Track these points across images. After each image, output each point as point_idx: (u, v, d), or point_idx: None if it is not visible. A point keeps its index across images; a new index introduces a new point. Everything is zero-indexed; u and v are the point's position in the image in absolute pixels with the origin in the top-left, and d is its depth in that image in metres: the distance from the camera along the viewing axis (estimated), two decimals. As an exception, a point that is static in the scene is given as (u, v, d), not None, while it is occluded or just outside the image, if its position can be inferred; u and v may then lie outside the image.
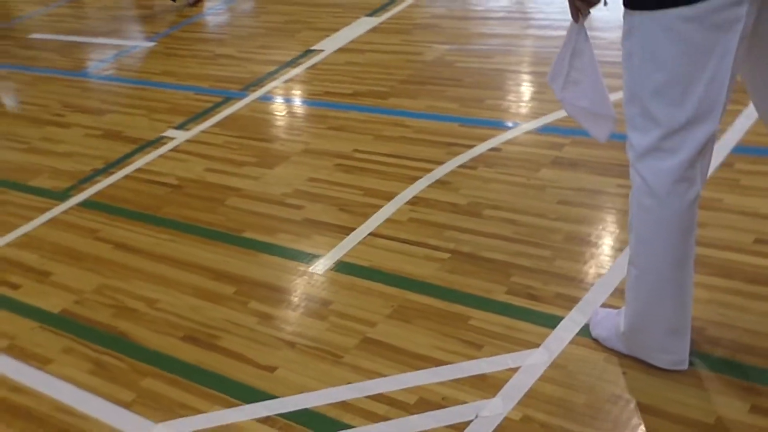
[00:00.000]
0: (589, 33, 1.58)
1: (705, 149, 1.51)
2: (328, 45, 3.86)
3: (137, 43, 4.36)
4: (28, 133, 3.57)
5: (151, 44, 4.34)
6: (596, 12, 1.59)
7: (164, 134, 3.30)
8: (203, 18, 4.64)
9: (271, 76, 3.67)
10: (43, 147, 3.40)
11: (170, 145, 3.21)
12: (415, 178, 2.64)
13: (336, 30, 4.02)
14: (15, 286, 2.51)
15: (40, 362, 2.11)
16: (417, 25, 3.87)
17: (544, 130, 2.80)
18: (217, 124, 3.30)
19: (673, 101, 1.47)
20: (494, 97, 3.07)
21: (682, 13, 1.40)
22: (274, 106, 3.42)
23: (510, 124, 2.88)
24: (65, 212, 2.88)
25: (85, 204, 2.90)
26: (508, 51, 3.43)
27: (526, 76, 3.19)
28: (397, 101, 3.19)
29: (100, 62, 4.24)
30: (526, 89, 3.11)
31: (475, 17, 3.88)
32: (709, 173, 1.59)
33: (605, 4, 1.54)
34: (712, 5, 1.37)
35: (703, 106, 1.46)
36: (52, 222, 2.83)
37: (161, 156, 3.13)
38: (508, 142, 2.78)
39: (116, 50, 4.33)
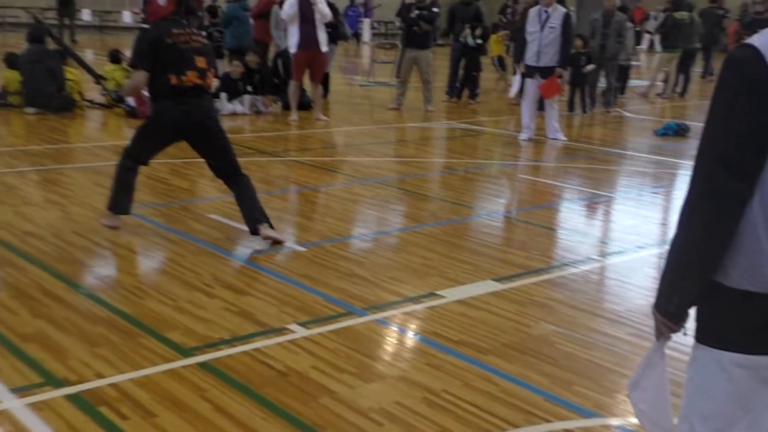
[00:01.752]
0: (668, 352, 1.85)
1: None
2: (451, 294, 4.28)
3: (292, 245, 4.96)
4: (178, 293, 4.11)
5: (302, 249, 4.94)
6: (681, 338, 1.86)
7: (288, 326, 3.74)
8: (350, 240, 5.23)
9: (393, 304, 4.10)
10: (186, 308, 3.91)
11: (290, 336, 3.62)
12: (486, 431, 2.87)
13: (462, 283, 4.45)
14: (124, 417, 2.88)
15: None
16: (534, 302, 4.23)
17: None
18: (334, 332, 3.71)
19: (718, 430, 1.70)
20: (584, 386, 3.30)
21: (736, 359, 1.66)
22: (387, 330, 3.81)
23: (591, 413, 3.09)
24: (184, 367, 3.29)
25: (203, 365, 3.31)
26: (610, 350, 3.69)
27: (618, 378, 3.41)
28: (494, 359, 3.49)
29: (257, 251, 4.85)
30: (615, 387, 3.33)
31: (589, 310, 4.19)
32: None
33: (684, 334, 1.83)
34: (765, 361, 1.63)
35: None
36: (171, 372, 3.24)
37: (279, 344, 3.54)
38: (585, 429, 2.98)
39: (276, 247, 4.93)
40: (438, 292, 4.29)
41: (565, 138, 9.54)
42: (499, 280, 4.53)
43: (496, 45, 14.60)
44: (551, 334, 3.83)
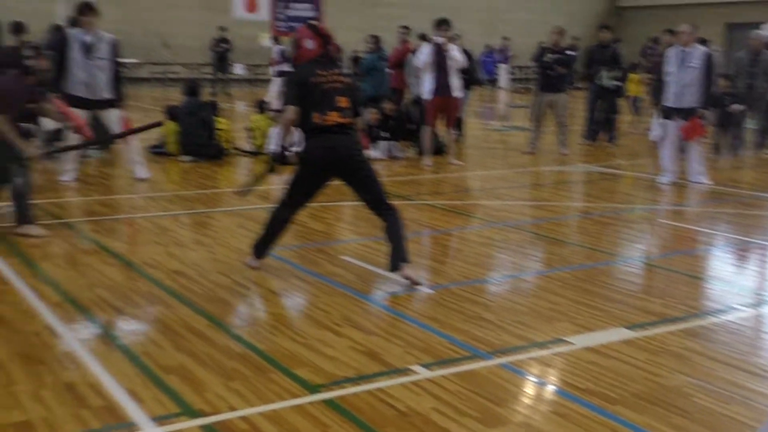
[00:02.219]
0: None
1: None
2: (580, 340, 4.18)
3: (421, 288, 5.03)
4: (309, 331, 4.26)
5: (431, 291, 4.99)
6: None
7: (411, 367, 3.78)
8: (478, 284, 5.23)
9: (519, 349, 4.06)
10: (315, 346, 4.05)
11: (413, 377, 3.66)
12: (612, 483, 2.77)
13: (592, 330, 4.34)
14: (250, 449, 3.01)
15: None
16: (668, 351, 4.06)
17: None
18: (458, 374, 3.71)
19: None
20: (719, 440, 3.13)
21: None
22: (511, 375, 3.77)
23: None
24: (310, 403, 3.40)
25: (328, 402, 3.41)
26: (749, 404, 3.48)
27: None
28: (622, 410, 3.37)
29: (387, 293, 4.96)
30: (754, 442, 3.13)
31: (728, 362, 3.97)
32: None
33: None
34: None
35: None
36: (297, 407, 3.36)
37: (402, 384, 3.58)
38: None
39: (403, 288, 5.02)
40: (566, 338, 4.21)
41: (709, 181, 9.12)
42: (631, 327, 4.38)
43: (634, 85, 14.24)
44: (685, 385, 3.66)
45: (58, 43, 8.25)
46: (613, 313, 4.62)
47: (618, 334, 4.29)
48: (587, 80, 13.12)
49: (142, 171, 8.57)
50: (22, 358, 3.82)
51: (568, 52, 11.63)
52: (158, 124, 7.35)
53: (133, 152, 8.61)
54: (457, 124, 11.68)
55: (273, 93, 17.00)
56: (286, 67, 16.03)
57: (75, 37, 8.08)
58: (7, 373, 3.64)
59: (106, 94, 8.18)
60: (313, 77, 4.93)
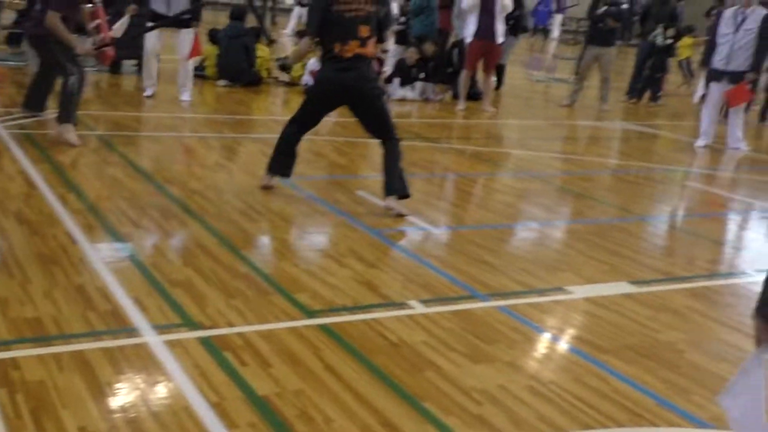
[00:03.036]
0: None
1: None
2: (580, 291, 4.20)
3: (428, 227, 5.07)
4: (313, 259, 4.36)
5: (438, 231, 5.04)
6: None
7: (408, 302, 3.85)
8: (486, 228, 5.24)
9: (516, 294, 4.10)
10: (317, 273, 4.13)
11: (408, 311, 3.74)
12: (586, 426, 2.83)
13: (595, 282, 4.36)
14: (243, 363, 3.11)
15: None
16: (668, 308, 4.07)
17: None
18: (453, 312, 3.78)
19: None
20: (703, 396, 3.17)
21: None
22: (505, 317, 3.81)
23: (706, 423, 2.96)
24: (305, 326, 3.49)
25: (322, 327, 3.50)
26: (738, 363, 3.48)
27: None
28: (611, 359, 3.41)
29: (395, 229, 5.01)
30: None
31: (727, 323, 3.97)
32: None
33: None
34: None
35: None
36: (292, 329, 3.45)
37: (397, 317, 3.66)
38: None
39: (413, 226, 5.08)
40: (566, 287, 4.23)
41: (747, 148, 8.92)
42: (635, 283, 4.39)
43: (686, 48, 13.81)
44: (679, 341, 3.68)
45: None
46: (619, 268, 4.62)
47: (620, 287, 4.30)
48: (641, 36, 12.79)
49: (186, 94, 8.70)
50: (39, 259, 3.96)
51: (623, 6, 11.33)
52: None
53: (185, 75, 8.71)
54: (498, 70, 11.59)
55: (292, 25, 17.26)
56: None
57: None
58: (23, 271, 3.79)
59: (185, 14, 8.34)
60: (336, 5, 4.95)
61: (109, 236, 4.42)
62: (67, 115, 6.20)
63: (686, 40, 13.47)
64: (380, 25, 5.14)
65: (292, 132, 5.34)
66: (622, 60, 19.78)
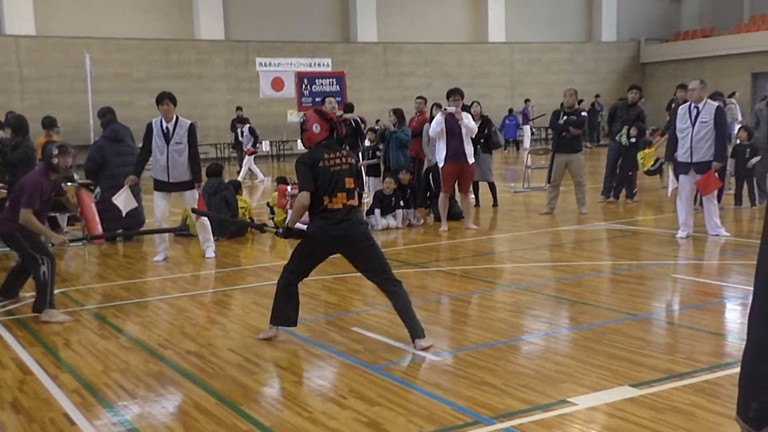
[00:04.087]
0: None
1: None
2: (584, 401, 4.18)
3: (426, 355, 5.08)
4: (314, 404, 4.33)
5: (436, 358, 5.03)
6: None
7: (413, 437, 3.81)
8: (484, 348, 5.24)
9: (521, 413, 4.07)
10: (319, 419, 4.10)
11: (413, 447, 3.69)
12: None
13: (596, 390, 4.34)
14: None
15: None
16: (672, 407, 4.05)
17: None
18: (458, 442, 3.74)
19: None
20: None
21: None
22: (513, 441, 3.78)
23: None
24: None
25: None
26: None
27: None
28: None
29: (393, 362, 5.01)
30: None
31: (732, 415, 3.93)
32: None
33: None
34: None
35: None
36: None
37: (403, 454, 3.61)
38: None
39: (411, 356, 5.09)
40: (570, 399, 4.21)
41: (727, 233, 9.08)
42: (636, 385, 4.37)
43: (649, 158, 13.49)
44: (691, 444, 3.63)
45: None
46: (619, 372, 4.61)
47: (623, 392, 4.28)
48: (610, 137, 13.20)
49: (210, 250, 9.05)
50: (36, 446, 3.92)
51: (582, 113, 11.78)
52: (177, 229, 7.73)
53: (204, 231, 9.01)
54: (491, 189, 12.45)
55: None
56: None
57: (155, 125, 8.69)
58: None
59: (185, 177, 8.73)
60: (322, 160, 5.20)
61: (106, 412, 4.39)
62: (43, 302, 6.35)
63: (647, 152, 13.45)
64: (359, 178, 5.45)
65: (288, 281, 5.43)
66: (596, 161, 20.33)
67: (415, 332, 5.22)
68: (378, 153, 12.52)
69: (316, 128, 5.30)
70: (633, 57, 33.99)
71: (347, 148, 5.51)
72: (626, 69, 33.52)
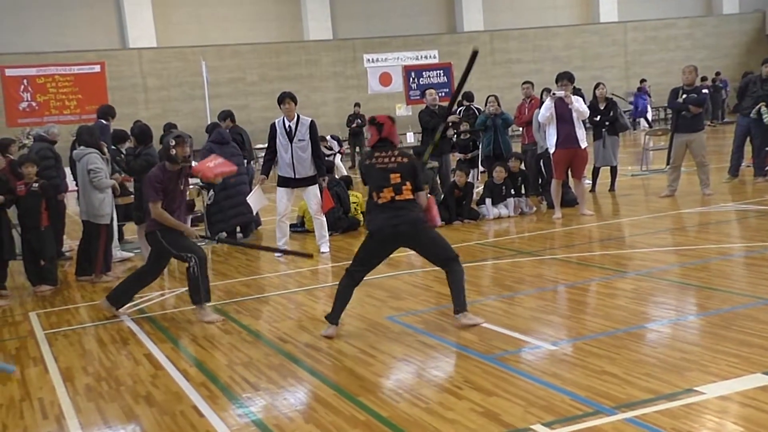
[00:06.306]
0: None
1: None
2: (712, 390, 3.98)
3: (543, 344, 4.99)
4: (430, 395, 4.33)
5: (553, 348, 4.93)
6: None
7: (532, 426, 3.75)
8: (603, 336, 5.08)
9: (644, 402, 3.92)
10: (436, 409, 4.10)
11: (532, 438, 3.63)
12: None
13: (726, 378, 4.13)
14: None
15: None
16: (813, 394, 3.79)
17: None
18: (577, 431, 3.64)
19: None
20: None
21: None
22: (635, 429, 3.64)
23: None
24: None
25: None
26: None
27: None
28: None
29: (508, 352, 4.94)
30: None
31: None
32: None
33: None
34: None
35: None
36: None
37: (521, 445, 3.55)
38: None
39: (524, 345, 5.01)
40: (697, 388, 4.02)
41: None
42: (769, 372, 4.13)
43: None
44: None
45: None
46: (751, 359, 4.36)
47: (755, 380, 4.05)
48: (738, 112, 12.51)
49: (325, 246, 9.26)
50: (169, 438, 4.11)
51: (703, 91, 11.23)
52: (309, 256, 7.94)
53: (321, 228, 9.28)
54: (612, 173, 12.15)
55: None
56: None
57: (278, 125, 9.02)
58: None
59: (309, 172, 9.03)
60: (370, 160, 5.69)
61: (231, 404, 4.55)
62: (197, 297, 6.51)
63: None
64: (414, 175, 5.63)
65: (347, 283, 5.73)
66: (720, 139, 19.36)
67: (458, 305, 5.54)
68: (477, 143, 12.53)
69: (368, 134, 5.85)
70: (758, 29, 32.03)
71: (396, 147, 5.74)
72: (751, 42, 31.66)
